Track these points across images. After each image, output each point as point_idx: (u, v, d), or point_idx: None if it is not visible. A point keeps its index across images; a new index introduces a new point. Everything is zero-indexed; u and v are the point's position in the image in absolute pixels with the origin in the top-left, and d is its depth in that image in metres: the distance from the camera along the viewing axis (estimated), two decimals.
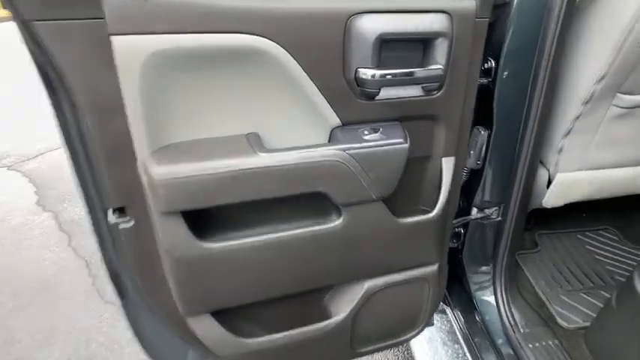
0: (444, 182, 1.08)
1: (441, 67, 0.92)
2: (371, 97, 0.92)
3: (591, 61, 1.23)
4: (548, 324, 1.51)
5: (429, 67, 0.92)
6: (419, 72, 0.91)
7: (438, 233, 1.15)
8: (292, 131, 0.92)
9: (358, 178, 0.93)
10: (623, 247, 1.87)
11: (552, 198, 1.54)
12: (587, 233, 1.94)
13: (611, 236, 1.93)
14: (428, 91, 0.96)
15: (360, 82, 0.89)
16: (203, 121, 0.86)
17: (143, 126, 0.80)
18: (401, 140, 0.95)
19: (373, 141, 0.92)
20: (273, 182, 0.87)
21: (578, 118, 1.35)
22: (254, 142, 0.87)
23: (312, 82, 0.87)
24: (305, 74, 0.86)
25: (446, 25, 0.89)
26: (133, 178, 0.84)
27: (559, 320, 1.52)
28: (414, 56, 0.94)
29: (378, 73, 0.88)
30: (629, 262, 1.79)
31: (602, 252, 1.84)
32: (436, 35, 0.90)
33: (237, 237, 0.94)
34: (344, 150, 0.90)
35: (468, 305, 1.62)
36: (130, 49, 0.74)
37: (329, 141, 0.95)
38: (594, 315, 1.52)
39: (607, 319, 1.37)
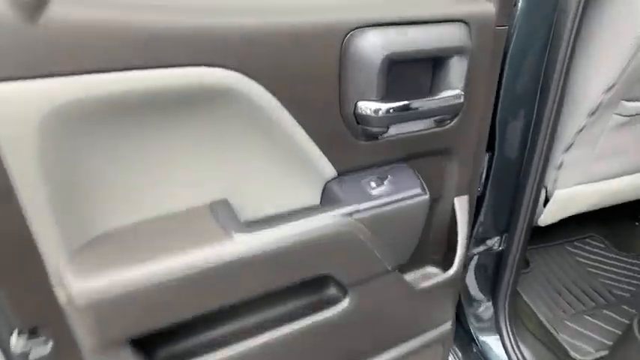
0: (460, 229, 0.87)
1: (460, 92, 0.70)
2: (374, 136, 0.69)
3: (602, 69, 1.07)
4: (559, 357, 1.35)
5: (447, 94, 0.70)
6: (435, 102, 0.69)
7: (455, 290, 0.94)
8: (274, 192, 0.67)
9: (370, 248, 0.69)
10: (611, 255, 1.77)
11: (549, 216, 1.39)
12: (575, 243, 1.83)
13: (597, 244, 1.83)
14: (440, 122, 0.75)
15: (361, 119, 0.65)
16: (146, 194, 0.59)
17: (49, 217, 0.51)
18: (419, 191, 0.72)
19: (385, 196, 0.69)
20: (256, 275, 0.61)
21: (581, 130, 1.19)
22: (224, 217, 0.61)
23: (297, 124, 0.62)
24: (288, 114, 0.61)
25: (464, 37, 0.68)
26: (44, 294, 0.56)
27: (571, 352, 1.36)
28: (422, 78, 0.72)
29: (385, 107, 0.64)
30: (622, 271, 1.68)
31: (592, 262, 1.73)
32: (454, 52, 0.68)
33: (211, 352, 0.66)
34: (349, 214, 0.66)
35: (467, 344, 1.43)
36: (16, 105, 0.46)
37: (321, 198, 0.70)
38: (606, 342, 1.38)
39: (629, 349, 1.23)
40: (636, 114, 1.22)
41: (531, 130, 1.05)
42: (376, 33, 0.61)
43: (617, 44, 1.02)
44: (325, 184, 0.69)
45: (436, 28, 0.65)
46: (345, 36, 0.60)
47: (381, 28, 0.61)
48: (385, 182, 0.70)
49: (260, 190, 0.66)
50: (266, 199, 0.66)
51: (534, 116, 1.04)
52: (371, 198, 0.68)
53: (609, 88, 1.09)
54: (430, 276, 0.89)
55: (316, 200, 0.70)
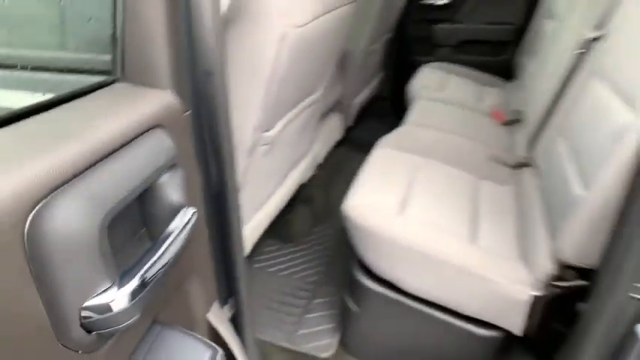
0: None
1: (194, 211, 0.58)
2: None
3: (250, 109, 1.13)
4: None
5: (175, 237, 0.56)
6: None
7: None
8: None
9: None
10: (283, 252, 2.01)
11: (248, 248, 1.43)
12: (262, 257, 1.97)
13: (272, 247, 2.03)
14: None
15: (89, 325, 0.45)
16: None
17: None
18: None
19: None
20: None
21: (246, 172, 1.25)
22: None
23: None
24: None
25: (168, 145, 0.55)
26: None
27: (320, 355, 1.49)
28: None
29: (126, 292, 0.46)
30: (299, 260, 1.95)
31: (278, 266, 1.92)
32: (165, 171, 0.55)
33: None
34: None
35: None
36: None
37: None
38: (331, 325, 1.58)
39: (349, 320, 1.44)
40: (272, 141, 1.36)
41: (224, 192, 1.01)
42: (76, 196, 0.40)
43: (251, 82, 1.09)
44: None
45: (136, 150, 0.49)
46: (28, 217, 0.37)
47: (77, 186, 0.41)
48: None
49: None
50: None
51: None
52: None
53: (258, 127, 1.18)
54: None
55: None
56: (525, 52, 2.46)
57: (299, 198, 1.93)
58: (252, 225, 1.41)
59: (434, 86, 2.42)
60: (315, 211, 2.16)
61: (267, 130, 1.30)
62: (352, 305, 1.41)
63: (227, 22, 1.02)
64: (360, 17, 2.23)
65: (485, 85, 2.60)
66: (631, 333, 0.82)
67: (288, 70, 1.15)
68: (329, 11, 1.23)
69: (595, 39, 1.29)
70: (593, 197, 0.97)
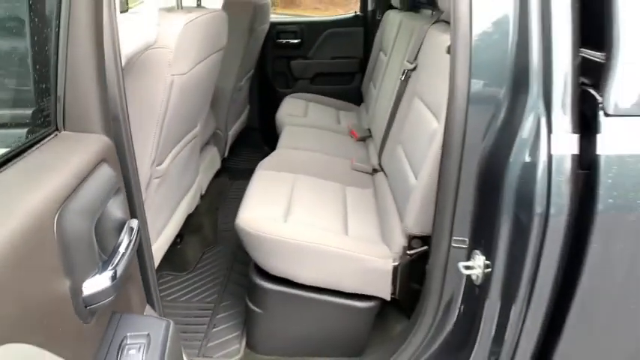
0: None
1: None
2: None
3: (146, 145, 1.28)
4: None
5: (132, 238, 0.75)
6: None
7: None
8: None
9: None
10: (178, 280, 2.11)
11: None
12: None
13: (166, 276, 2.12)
14: None
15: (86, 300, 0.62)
16: None
17: None
18: None
19: None
20: None
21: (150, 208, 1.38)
22: None
23: None
24: None
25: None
26: None
27: None
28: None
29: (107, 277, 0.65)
30: (194, 286, 2.07)
31: (172, 295, 2.02)
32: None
33: None
34: None
35: None
36: None
37: None
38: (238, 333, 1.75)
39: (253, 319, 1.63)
40: (164, 174, 1.52)
41: None
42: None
43: (148, 122, 1.26)
44: None
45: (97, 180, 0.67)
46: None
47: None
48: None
49: None
50: None
51: None
52: None
53: (153, 161, 1.33)
54: None
55: None
56: (368, 80, 2.95)
57: (188, 227, 2.07)
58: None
59: (298, 114, 2.77)
60: (205, 238, 2.31)
61: (160, 164, 1.46)
62: (255, 308, 1.60)
63: (127, 74, 1.19)
64: (228, 59, 2.49)
65: (341, 110, 3.03)
66: (457, 271, 1.17)
67: (176, 109, 1.34)
68: (204, 59, 1.46)
69: (412, 69, 1.72)
70: (421, 183, 1.34)
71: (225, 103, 2.55)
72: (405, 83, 1.77)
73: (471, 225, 1.13)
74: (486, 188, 1.07)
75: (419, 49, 1.70)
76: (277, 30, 3.18)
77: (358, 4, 3.24)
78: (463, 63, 0.99)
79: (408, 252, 1.41)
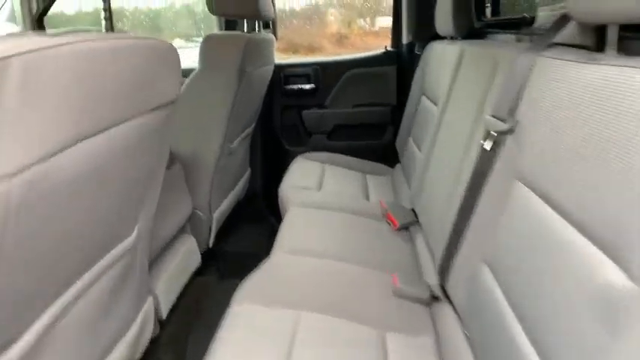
0: None
1: None
2: None
3: None
4: None
5: None
6: None
7: None
8: None
9: None
10: None
11: None
12: None
13: None
14: None
15: None
16: None
17: None
18: None
19: None
20: None
21: None
22: None
23: None
24: None
25: None
26: None
27: None
28: None
29: None
30: None
31: None
32: None
33: None
34: None
35: None
36: None
37: None
38: None
39: None
40: None
41: None
42: None
43: None
44: None
45: None
46: None
47: None
48: None
49: None
50: None
51: None
52: None
53: None
54: None
55: None
56: (405, 133, 2.18)
57: None
58: None
59: (309, 184, 2.00)
60: None
61: None
62: None
63: None
64: (205, 115, 1.79)
65: (368, 174, 2.26)
66: None
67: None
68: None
69: (504, 132, 0.93)
70: None
71: (206, 175, 1.81)
72: (492, 154, 0.98)
73: None
74: None
75: (518, 96, 0.92)
76: (285, 73, 2.48)
77: (389, 39, 2.53)
78: None
79: None
